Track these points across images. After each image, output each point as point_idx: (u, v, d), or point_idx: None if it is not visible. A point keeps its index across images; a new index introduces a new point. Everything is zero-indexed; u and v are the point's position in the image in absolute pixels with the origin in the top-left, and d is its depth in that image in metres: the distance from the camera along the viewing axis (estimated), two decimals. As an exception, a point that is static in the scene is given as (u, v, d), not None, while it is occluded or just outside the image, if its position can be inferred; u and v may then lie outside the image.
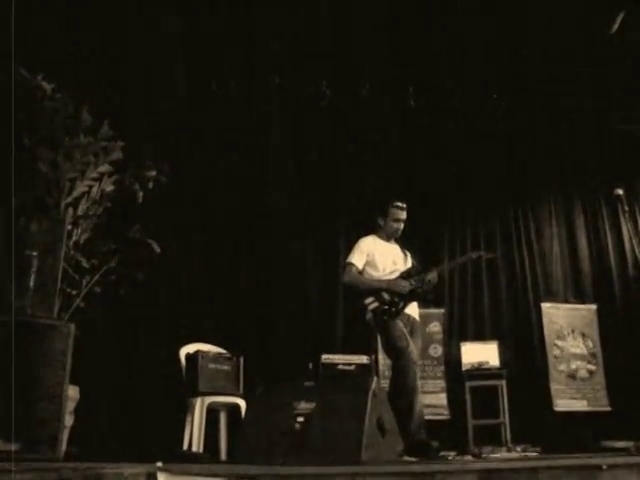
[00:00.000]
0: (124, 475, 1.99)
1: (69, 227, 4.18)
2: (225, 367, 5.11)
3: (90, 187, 4.44)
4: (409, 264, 4.82)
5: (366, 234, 4.89)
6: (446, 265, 5.80)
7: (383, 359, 6.15)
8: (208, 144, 6.71)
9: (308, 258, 6.86)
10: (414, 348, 4.42)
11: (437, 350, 6.79)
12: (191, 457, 4.43)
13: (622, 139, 7.22)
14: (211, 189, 6.62)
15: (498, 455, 4.87)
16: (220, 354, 5.18)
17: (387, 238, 4.87)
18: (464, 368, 6.51)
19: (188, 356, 5.04)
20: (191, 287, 6.29)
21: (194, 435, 4.77)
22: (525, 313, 7.09)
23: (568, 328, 6.96)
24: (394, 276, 4.66)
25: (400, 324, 4.48)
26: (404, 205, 4.83)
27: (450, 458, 4.27)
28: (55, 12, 5.87)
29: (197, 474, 2.17)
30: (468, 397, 6.32)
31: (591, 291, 7.22)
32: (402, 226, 4.86)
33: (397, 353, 4.39)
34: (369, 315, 4.59)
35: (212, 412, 5.05)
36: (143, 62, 6.46)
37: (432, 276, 4.63)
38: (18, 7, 5.45)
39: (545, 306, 7.00)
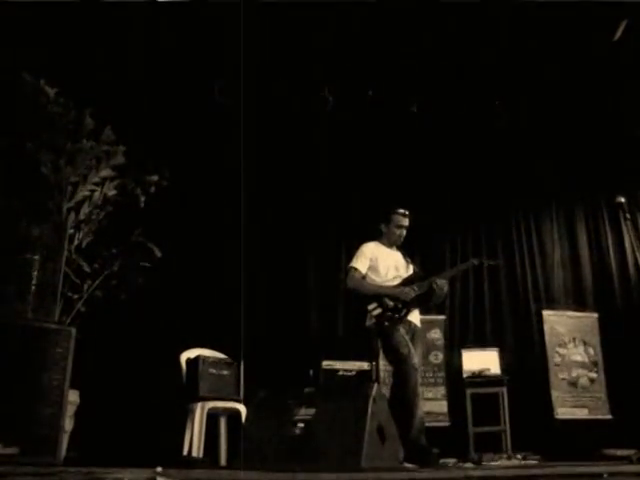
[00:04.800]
0: (124, 480, 1.99)
1: (71, 231, 4.19)
2: (225, 372, 5.10)
3: (92, 191, 4.45)
4: (411, 271, 4.81)
5: (368, 240, 4.89)
6: (447, 272, 5.79)
7: (384, 365, 6.13)
8: (209, 149, 6.72)
9: (309, 263, 6.86)
10: (415, 355, 4.41)
11: (438, 357, 6.78)
12: (191, 462, 4.42)
13: (624, 146, 7.22)
14: (212, 193, 6.62)
15: (498, 462, 4.87)
16: (221, 359, 5.18)
17: (389, 244, 4.86)
18: (465, 375, 6.49)
19: (189, 361, 5.04)
20: (192, 292, 6.28)
21: (194, 440, 4.77)
22: (526, 320, 7.08)
23: (569, 336, 6.95)
24: (396, 282, 4.65)
25: (401, 330, 4.47)
26: (406, 212, 4.83)
27: (450, 465, 4.26)
28: (57, 16, 5.89)
29: (197, 479, 2.17)
30: (469, 404, 6.30)
31: (592, 299, 7.21)
32: (404, 233, 4.85)
33: (398, 359, 4.38)
34: (370, 321, 4.58)
35: (212, 417, 5.04)
36: (145, 66, 6.47)
37: (442, 282, 4.60)
38: (21, 12, 5.48)
39: (546, 313, 6.99)
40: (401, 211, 4.82)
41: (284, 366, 6.03)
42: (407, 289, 4.57)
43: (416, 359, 4.40)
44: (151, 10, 6.29)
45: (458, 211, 7.30)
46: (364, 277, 4.69)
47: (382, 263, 4.71)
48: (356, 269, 4.67)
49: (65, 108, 4.26)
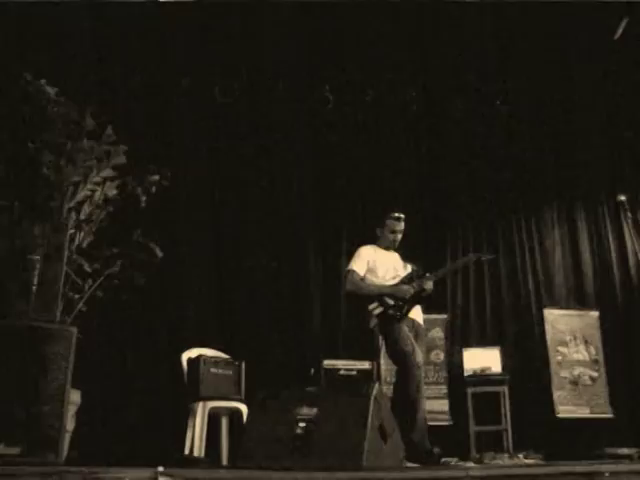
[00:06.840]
0: (125, 480, 1.99)
1: (72, 231, 4.18)
2: (227, 372, 5.10)
3: (93, 191, 4.44)
4: (409, 271, 4.82)
5: (367, 242, 4.91)
6: (448, 267, 5.83)
7: (385, 364, 6.13)
8: (210, 149, 6.72)
9: (310, 263, 6.86)
10: (418, 352, 4.42)
11: (439, 356, 6.77)
12: (193, 462, 4.42)
13: (625, 145, 7.22)
14: (213, 194, 6.62)
15: (500, 461, 4.87)
16: (222, 359, 5.18)
17: (385, 248, 4.89)
18: (466, 374, 6.49)
19: (190, 361, 5.04)
20: (193, 291, 6.28)
21: (196, 440, 4.77)
22: (527, 319, 7.06)
23: (570, 334, 6.93)
24: (395, 282, 4.66)
25: (405, 328, 4.49)
26: (401, 216, 4.85)
27: (452, 464, 4.26)
28: (58, 16, 5.89)
29: (199, 479, 2.17)
30: (470, 403, 6.30)
31: (594, 297, 7.18)
32: (399, 237, 4.87)
33: (402, 357, 4.38)
34: (373, 321, 4.59)
35: (214, 417, 5.04)
36: (146, 66, 6.48)
37: (428, 284, 4.63)
38: (21, 12, 5.48)
39: (547, 312, 6.97)
40: (395, 215, 4.84)
41: (285, 365, 6.03)
42: (406, 287, 4.59)
43: (419, 357, 4.40)
44: (153, 9, 6.30)
45: (459, 210, 7.30)
46: (362, 279, 4.70)
47: (381, 265, 4.74)
48: (354, 271, 4.70)
49: (66, 108, 4.25)
